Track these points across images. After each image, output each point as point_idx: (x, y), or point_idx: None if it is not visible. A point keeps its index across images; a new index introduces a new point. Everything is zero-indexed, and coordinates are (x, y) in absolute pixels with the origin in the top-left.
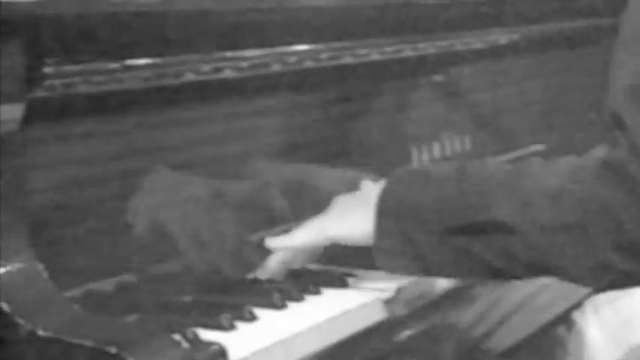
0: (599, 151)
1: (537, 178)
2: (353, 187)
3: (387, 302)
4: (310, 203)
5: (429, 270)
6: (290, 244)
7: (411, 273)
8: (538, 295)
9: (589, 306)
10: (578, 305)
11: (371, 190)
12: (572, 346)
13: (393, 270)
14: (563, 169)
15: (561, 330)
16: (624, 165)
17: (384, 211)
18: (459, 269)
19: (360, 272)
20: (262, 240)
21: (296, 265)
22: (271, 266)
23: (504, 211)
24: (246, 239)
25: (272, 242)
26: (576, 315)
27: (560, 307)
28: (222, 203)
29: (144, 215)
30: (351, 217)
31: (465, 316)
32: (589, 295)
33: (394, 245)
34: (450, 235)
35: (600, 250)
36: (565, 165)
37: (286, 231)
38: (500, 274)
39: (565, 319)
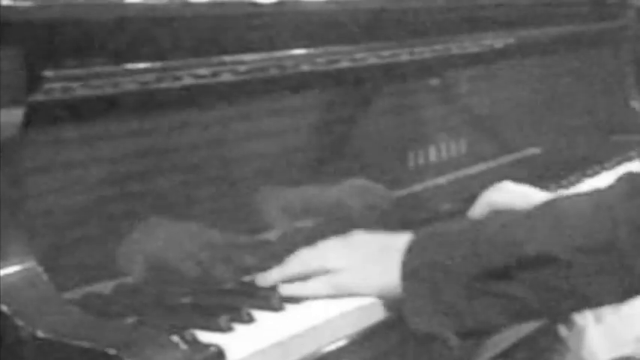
0: (628, 173)
1: (565, 206)
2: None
3: (385, 303)
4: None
5: (465, 323)
6: (307, 295)
7: (446, 329)
8: None
9: None
10: None
11: (393, 242)
12: (572, 345)
13: (428, 329)
14: (590, 195)
15: (562, 329)
16: None
17: (411, 272)
18: (499, 316)
19: None
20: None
21: None
22: (274, 278)
23: (535, 243)
24: (241, 243)
25: (287, 289)
26: (576, 315)
27: None
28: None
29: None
30: (371, 273)
31: None
32: None
33: (426, 305)
34: (483, 282)
35: (634, 265)
36: (590, 192)
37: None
38: (538, 314)
39: (565, 319)
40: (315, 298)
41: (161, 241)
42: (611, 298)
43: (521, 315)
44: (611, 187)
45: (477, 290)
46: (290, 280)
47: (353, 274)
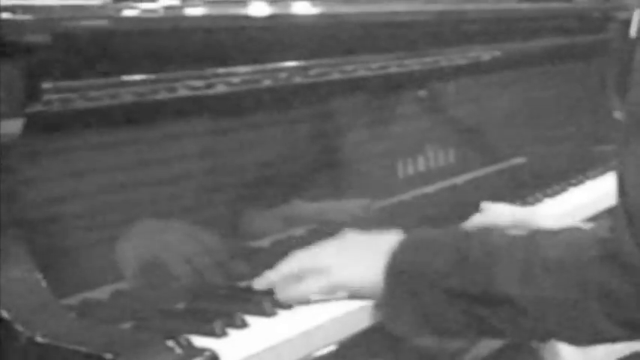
0: (601, 228)
1: (540, 251)
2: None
3: (373, 309)
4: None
5: (437, 330)
6: (299, 295)
7: (418, 334)
8: None
9: None
10: None
11: (382, 242)
12: (545, 356)
13: (400, 331)
14: (566, 243)
15: (535, 342)
16: (622, 244)
17: (394, 274)
18: (466, 330)
19: None
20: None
21: None
22: (270, 279)
23: (507, 283)
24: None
25: (281, 293)
26: None
27: None
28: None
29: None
30: (361, 267)
31: None
32: None
33: (403, 307)
34: (458, 299)
35: (598, 323)
36: (568, 238)
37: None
38: (510, 338)
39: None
40: (308, 297)
41: (155, 243)
42: (577, 342)
43: (488, 334)
44: (585, 239)
45: (452, 304)
46: (285, 283)
47: (342, 271)
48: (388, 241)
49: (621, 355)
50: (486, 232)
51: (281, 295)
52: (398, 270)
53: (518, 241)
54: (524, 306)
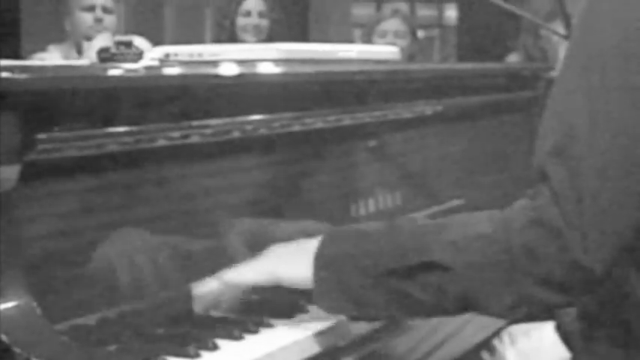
0: (523, 203)
1: (468, 225)
2: (305, 235)
3: (330, 333)
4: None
5: (366, 312)
6: (243, 281)
7: (349, 315)
8: (464, 326)
9: (506, 335)
10: (497, 334)
11: (309, 242)
12: None
13: (333, 312)
14: (493, 218)
15: (485, 355)
16: (547, 211)
17: (321, 261)
18: (394, 310)
19: (272, 321)
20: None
21: (224, 304)
22: (209, 290)
23: (438, 252)
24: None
25: (224, 276)
26: (496, 342)
27: (482, 336)
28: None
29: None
30: (296, 263)
31: (400, 345)
32: (506, 326)
33: (331, 291)
34: (385, 278)
35: (523, 285)
36: (492, 215)
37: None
38: (432, 313)
39: (487, 346)
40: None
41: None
42: (496, 310)
43: (414, 311)
44: (512, 212)
45: (379, 284)
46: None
47: (279, 266)
48: (313, 241)
49: None
50: (412, 218)
51: (225, 280)
52: (325, 260)
53: (447, 220)
54: (454, 271)
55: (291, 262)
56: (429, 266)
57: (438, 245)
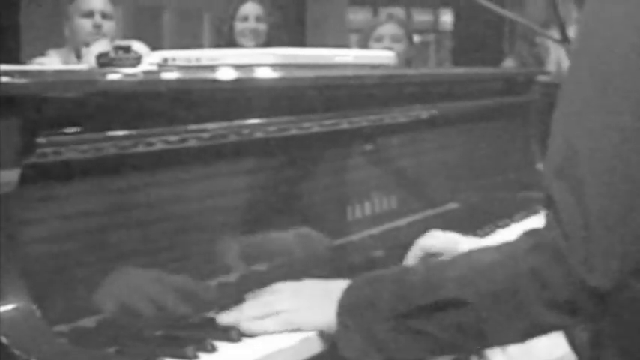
0: (530, 235)
1: (478, 256)
2: (301, 244)
3: (328, 335)
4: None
5: (390, 355)
6: (261, 331)
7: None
8: None
9: None
10: None
11: (334, 287)
12: None
13: (359, 358)
14: (500, 247)
15: (474, 359)
16: (549, 233)
17: (345, 309)
18: (417, 351)
19: None
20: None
21: None
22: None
23: (450, 288)
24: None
25: (245, 325)
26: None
27: None
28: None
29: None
30: (314, 312)
31: None
32: None
33: (356, 337)
34: (403, 320)
35: (534, 310)
36: (500, 246)
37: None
38: (453, 351)
39: (476, 350)
40: (268, 332)
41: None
42: (511, 338)
43: (435, 350)
44: (517, 241)
45: (400, 327)
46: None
47: (299, 313)
48: (340, 284)
49: None
50: (425, 260)
51: (244, 330)
52: (348, 307)
53: (456, 257)
54: (466, 303)
55: (314, 307)
56: (445, 304)
57: (449, 282)
